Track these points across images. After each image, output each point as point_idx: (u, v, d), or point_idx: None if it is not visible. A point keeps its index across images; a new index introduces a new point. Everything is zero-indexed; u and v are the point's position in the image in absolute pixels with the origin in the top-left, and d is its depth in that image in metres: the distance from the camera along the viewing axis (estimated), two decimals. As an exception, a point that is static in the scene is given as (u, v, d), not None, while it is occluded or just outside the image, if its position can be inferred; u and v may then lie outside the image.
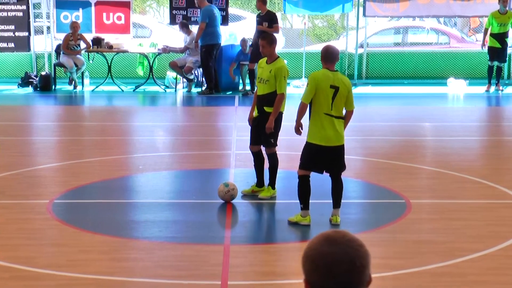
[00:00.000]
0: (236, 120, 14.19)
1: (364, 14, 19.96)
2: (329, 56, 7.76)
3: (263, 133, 8.78)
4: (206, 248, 7.35)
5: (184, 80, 18.97)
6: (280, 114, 8.79)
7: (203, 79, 19.12)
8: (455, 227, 8.04)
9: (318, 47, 21.75)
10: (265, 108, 8.76)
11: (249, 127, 9.07)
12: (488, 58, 18.53)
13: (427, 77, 20.49)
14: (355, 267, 2.58)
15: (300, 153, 8.00)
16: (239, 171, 10.24)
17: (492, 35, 18.28)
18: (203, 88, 18.77)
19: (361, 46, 20.40)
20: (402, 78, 20.50)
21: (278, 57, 8.84)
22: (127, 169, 10.84)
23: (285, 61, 8.78)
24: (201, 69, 19.00)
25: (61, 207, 8.74)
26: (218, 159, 11.49)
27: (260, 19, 17.57)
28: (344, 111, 7.86)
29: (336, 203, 8.03)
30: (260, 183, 9.08)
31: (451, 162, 11.07)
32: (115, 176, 10.16)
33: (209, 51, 17.91)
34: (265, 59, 8.89)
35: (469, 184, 9.82)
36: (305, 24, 20.66)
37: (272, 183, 9.00)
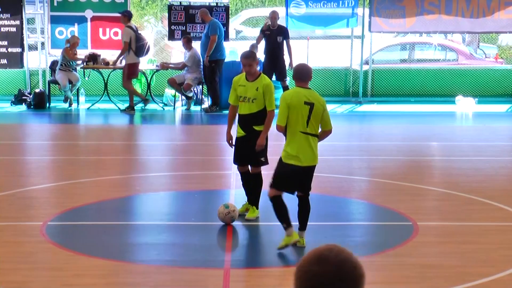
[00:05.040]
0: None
1: (369, 30, 20.05)
2: (301, 75, 7.78)
3: (254, 152, 8.84)
4: (206, 272, 7.35)
5: (183, 97, 19.02)
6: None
7: (203, 96, 19.18)
8: (464, 250, 8.04)
9: (323, 63, 21.79)
10: (254, 127, 8.80)
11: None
12: None
13: (434, 95, 20.54)
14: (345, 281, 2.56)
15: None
16: (240, 191, 10.23)
17: None
18: (203, 105, 18.84)
19: (366, 63, 20.47)
20: (408, 96, 20.55)
21: (261, 73, 8.91)
22: (123, 190, 10.84)
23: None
24: (200, 86, 19.08)
25: (55, 230, 8.75)
26: (218, 179, 11.50)
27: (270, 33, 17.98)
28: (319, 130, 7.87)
29: (302, 226, 8.00)
30: (251, 200, 9.11)
31: (459, 183, 11.08)
32: (111, 197, 10.17)
33: (216, 66, 18.05)
34: (242, 76, 8.91)
35: (478, 206, 9.83)
36: (308, 39, 20.73)
37: (257, 204, 9.09)
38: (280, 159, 7.84)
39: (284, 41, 18.18)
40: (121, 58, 18.26)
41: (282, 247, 7.85)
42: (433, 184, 11.25)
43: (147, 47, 18.20)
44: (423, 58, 22.09)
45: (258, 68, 19.10)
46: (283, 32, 18.31)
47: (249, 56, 8.88)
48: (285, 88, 17.64)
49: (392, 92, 20.61)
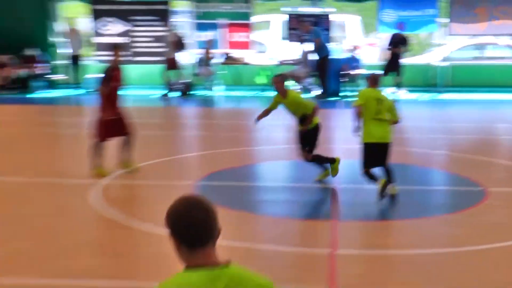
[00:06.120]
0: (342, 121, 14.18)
1: (448, 33, 19.54)
2: (372, 80, 8.33)
3: (308, 144, 8.94)
4: (315, 223, 7.42)
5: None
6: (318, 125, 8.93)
7: (311, 86, 19.22)
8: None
9: (410, 61, 21.37)
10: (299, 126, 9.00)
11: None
12: None
13: (502, 86, 19.90)
14: (209, 213, 2.69)
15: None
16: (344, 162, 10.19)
17: None
18: (311, 93, 18.92)
19: (445, 60, 20.00)
20: (481, 87, 19.99)
21: (287, 90, 8.86)
22: (252, 159, 11.02)
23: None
24: (309, 78, 19.12)
25: (202, 188, 8.99)
26: (335, 153, 11.53)
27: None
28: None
29: (391, 180, 8.13)
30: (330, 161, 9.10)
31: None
32: (243, 164, 10.36)
33: (326, 61, 18.24)
34: (278, 95, 8.87)
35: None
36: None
37: (330, 160, 9.05)
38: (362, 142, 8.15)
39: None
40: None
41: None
42: (505, 158, 10.92)
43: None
44: (493, 56, 21.51)
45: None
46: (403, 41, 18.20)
47: (277, 75, 8.99)
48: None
49: (467, 84, 20.13)
